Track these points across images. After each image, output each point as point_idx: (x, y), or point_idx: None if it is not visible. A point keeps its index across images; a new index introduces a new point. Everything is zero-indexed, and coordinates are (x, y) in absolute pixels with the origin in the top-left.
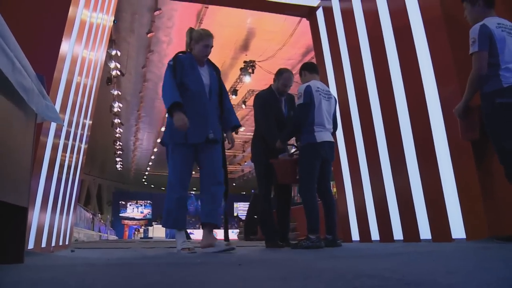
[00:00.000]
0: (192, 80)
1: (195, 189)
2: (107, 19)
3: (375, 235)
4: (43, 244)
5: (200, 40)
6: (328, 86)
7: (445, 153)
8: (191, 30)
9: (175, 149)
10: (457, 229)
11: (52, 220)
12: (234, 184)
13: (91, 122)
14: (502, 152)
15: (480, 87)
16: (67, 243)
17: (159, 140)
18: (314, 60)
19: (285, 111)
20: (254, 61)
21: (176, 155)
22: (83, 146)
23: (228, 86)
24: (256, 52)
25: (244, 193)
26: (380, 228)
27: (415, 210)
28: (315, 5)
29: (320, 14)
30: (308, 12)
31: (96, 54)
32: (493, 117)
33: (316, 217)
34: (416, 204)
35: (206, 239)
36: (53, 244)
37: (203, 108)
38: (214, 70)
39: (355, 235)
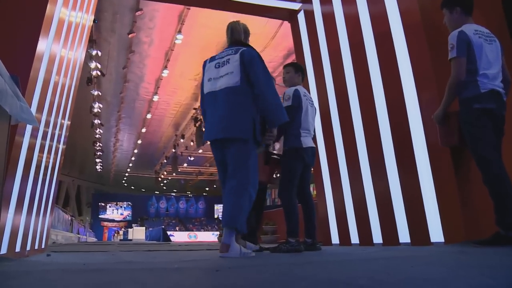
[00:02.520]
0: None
1: (175, 190)
2: (86, 18)
3: (354, 238)
4: (17, 249)
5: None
6: (309, 89)
7: (424, 158)
8: (238, 23)
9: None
10: (436, 233)
11: (27, 222)
12: (215, 186)
13: (69, 122)
14: (479, 157)
15: (458, 92)
16: (43, 246)
17: (140, 141)
18: None
19: None
20: None
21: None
22: (61, 146)
23: None
24: None
25: None
26: (360, 231)
27: (395, 213)
28: (297, 8)
29: (301, 17)
30: (289, 15)
31: (75, 53)
32: (470, 122)
33: (296, 221)
34: (396, 208)
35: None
36: (28, 248)
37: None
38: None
39: (335, 238)
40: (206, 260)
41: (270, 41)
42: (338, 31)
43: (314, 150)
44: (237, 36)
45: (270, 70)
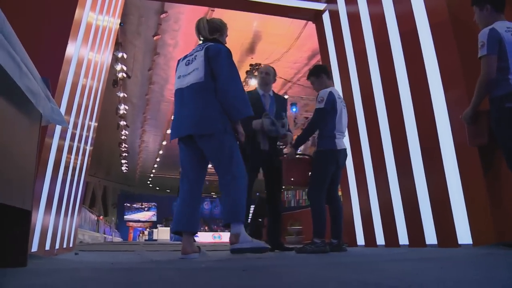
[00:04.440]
0: None
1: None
2: (113, 22)
3: (380, 239)
4: (47, 247)
5: (225, 31)
6: None
7: (452, 158)
8: (202, 20)
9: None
10: (464, 235)
11: (56, 222)
12: None
13: (96, 124)
14: (509, 156)
15: (489, 91)
16: (71, 245)
17: (164, 143)
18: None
19: (271, 109)
20: (259, 64)
21: None
22: (88, 148)
23: None
24: (262, 55)
25: None
26: (385, 232)
27: (421, 214)
28: (322, 8)
29: (326, 17)
30: (314, 16)
31: (102, 56)
32: (502, 121)
33: (324, 222)
34: (422, 209)
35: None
36: (57, 246)
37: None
38: None
39: (360, 239)
40: (231, 260)
41: (294, 42)
42: (363, 31)
43: (346, 152)
44: (203, 33)
45: (294, 71)
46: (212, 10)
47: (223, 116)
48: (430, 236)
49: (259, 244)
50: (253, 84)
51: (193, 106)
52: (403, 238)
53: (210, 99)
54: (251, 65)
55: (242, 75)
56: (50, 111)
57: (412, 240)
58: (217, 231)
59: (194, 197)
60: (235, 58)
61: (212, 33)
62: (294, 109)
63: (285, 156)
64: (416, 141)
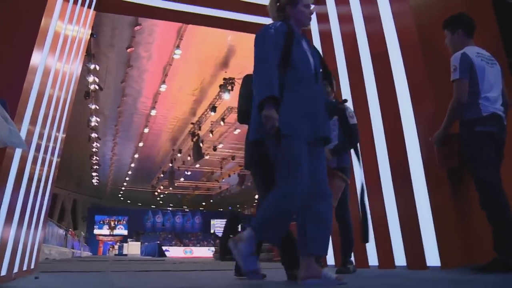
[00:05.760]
0: (300, 59)
1: (172, 205)
2: (84, 32)
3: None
4: (3, 272)
5: (298, 1)
6: None
7: (421, 178)
8: None
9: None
10: (432, 257)
11: (17, 237)
12: (211, 201)
13: (64, 135)
14: (479, 181)
15: (460, 114)
16: (33, 266)
17: (137, 156)
18: None
19: None
20: (233, 78)
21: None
22: (55, 159)
23: (207, 102)
24: (236, 69)
25: (221, 209)
26: (356, 254)
27: (390, 236)
28: None
29: None
30: None
31: (72, 67)
32: (472, 145)
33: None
34: (391, 230)
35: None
36: (16, 269)
37: (314, 98)
38: (314, 49)
39: (330, 259)
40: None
41: None
42: (335, 50)
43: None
44: (271, 18)
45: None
46: (186, 24)
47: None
48: (400, 257)
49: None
50: (226, 98)
51: None
52: (373, 259)
53: None
54: (224, 79)
55: (215, 89)
56: (8, 133)
57: (382, 261)
58: (188, 246)
59: None
60: (209, 71)
61: (276, 7)
62: None
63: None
64: (386, 161)
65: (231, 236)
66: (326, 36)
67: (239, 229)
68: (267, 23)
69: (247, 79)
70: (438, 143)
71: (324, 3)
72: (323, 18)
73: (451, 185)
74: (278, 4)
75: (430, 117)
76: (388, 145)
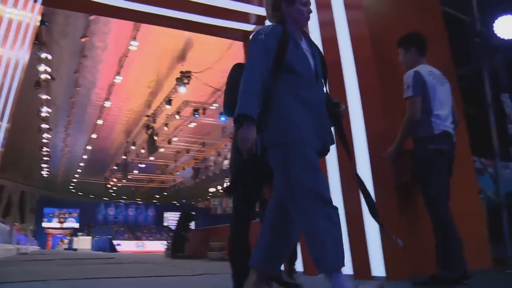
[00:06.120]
0: (299, 62)
1: (125, 197)
2: (31, 17)
3: (299, 267)
4: None
5: None
6: None
7: (369, 191)
8: None
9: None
10: (378, 267)
11: None
12: (165, 194)
13: (9, 125)
14: (428, 198)
15: (413, 131)
16: None
17: (90, 147)
18: None
19: None
20: (190, 72)
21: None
22: None
23: (162, 95)
24: (193, 63)
25: (175, 202)
26: (304, 260)
27: None
28: (251, 29)
29: None
30: (242, 36)
31: (17, 53)
32: (424, 162)
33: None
34: None
35: None
36: None
37: (316, 101)
38: (315, 47)
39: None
40: None
41: (226, 51)
42: None
43: None
44: (268, 17)
45: (224, 80)
46: None
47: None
48: (347, 266)
49: None
50: (182, 91)
51: None
52: None
53: None
54: (181, 72)
55: (172, 82)
56: None
57: None
58: (141, 239)
59: None
60: (166, 64)
61: (274, 7)
62: (222, 119)
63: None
64: (337, 171)
65: (183, 233)
66: None
67: (191, 226)
68: (223, 25)
69: (236, 68)
70: (391, 159)
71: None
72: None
73: (399, 198)
74: (273, 1)
75: (381, 133)
76: (338, 158)
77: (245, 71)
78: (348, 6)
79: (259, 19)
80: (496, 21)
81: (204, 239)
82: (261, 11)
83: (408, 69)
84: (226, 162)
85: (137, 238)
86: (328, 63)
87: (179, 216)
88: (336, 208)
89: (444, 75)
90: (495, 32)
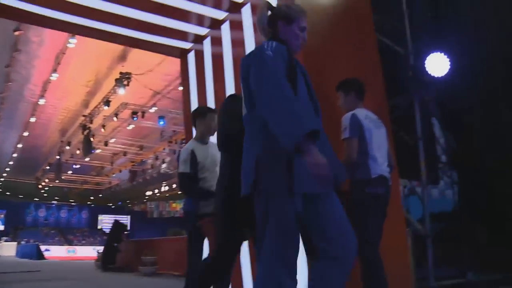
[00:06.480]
0: (303, 95)
1: (57, 198)
2: None
3: None
4: None
5: (295, 19)
6: None
7: None
8: (269, 4)
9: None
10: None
11: None
12: (100, 195)
13: None
14: (361, 241)
15: (351, 173)
16: None
17: (20, 145)
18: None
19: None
20: (130, 74)
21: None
22: None
23: (101, 96)
24: (134, 64)
25: (111, 204)
26: None
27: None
28: (188, 47)
29: (191, 56)
30: (180, 53)
31: None
32: (361, 205)
33: None
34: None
35: None
36: None
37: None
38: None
39: None
40: None
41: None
42: (225, 72)
43: None
44: (259, 30)
45: (165, 83)
46: None
47: (256, 165)
48: None
49: None
50: (121, 93)
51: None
52: None
53: (251, 136)
54: (121, 73)
55: (111, 82)
56: None
57: None
58: (73, 242)
59: None
60: (105, 64)
61: (271, 22)
62: (161, 122)
63: None
64: None
65: (115, 244)
66: (217, 59)
67: (123, 238)
68: (161, 42)
69: (233, 99)
70: None
71: (219, 27)
72: (217, 42)
73: None
74: (269, 14)
75: None
76: None
77: (267, 85)
78: None
79: (197, 38)
80: (427, 58)
81: (136, 252)
82: (200, 30)
83: (346, 112)
84: (164, 165)
85: (69, 242)
86: None
87: (111, 226)
88: None
89: (378, 107)
90: (426, 68)
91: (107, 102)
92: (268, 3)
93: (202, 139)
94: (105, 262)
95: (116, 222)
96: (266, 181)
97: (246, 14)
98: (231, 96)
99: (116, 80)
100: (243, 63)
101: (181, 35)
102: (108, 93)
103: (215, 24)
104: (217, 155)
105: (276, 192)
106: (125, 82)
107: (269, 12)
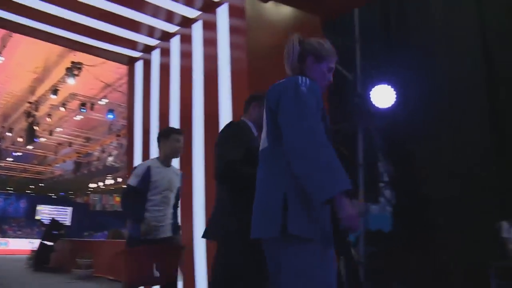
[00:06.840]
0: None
1: (13, 188)
2: None
3: None
4: None
5: (325, 58)
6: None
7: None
8: (300, 38)
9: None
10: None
11: None
12: (41, 185)
13: None
14: None
15: None
16: None
17: None
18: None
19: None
20: (82, 64)
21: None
22: None
23: (49, 84)
24: (87, 54)
25: (52, 195)
26: None
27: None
28: (137, 56)
29: (139, 65)
30: (128, 61)
31: None
32: None
33: None
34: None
35: None
36: None
37: None
38: None
39: None
40: None
41: None
42: (170, 83)
43: None
44: (286, 63)
45: (117, 76)
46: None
47: (285, 203)
48: None
49: None
50: (71, 83)
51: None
52: None
53: (275, 173)
54: (72, 62)
55: (61, 71)
56: None
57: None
58: (7, 233)
59: None
60: (56, 51)
61: (301, 58)
62: (110, 116)
63: None
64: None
65: (50, 243)
66: (164, 69)
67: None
68: (109, 49)
69: (232, 125)
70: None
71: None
72: (166, 53)
73: None
74: (300, 48)
75: None
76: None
77: (300, 126)
78: (233, 45)
79: (146, 48)
80: (373, 89)
81: (72, 252)
82: (149, 41)
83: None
84: (111, 158)
85: (3, 232)
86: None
87: (48, 223)
88: None
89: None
90: (371, 99)
91: (55, 91)
92: (300, 36)
93: (165, 160)
94: (39, 261)
95: (54, 221)
96: (298, 225)
97: (197, 27)
98: (232, 123)
99: (67, 69)
100: (272, 94)
101: (130, 44)
102: (57, 81)
103: (165, 36)
104: (176, 181)
105: (311, 238)
106: (76, 72)
107: (299, 47)
